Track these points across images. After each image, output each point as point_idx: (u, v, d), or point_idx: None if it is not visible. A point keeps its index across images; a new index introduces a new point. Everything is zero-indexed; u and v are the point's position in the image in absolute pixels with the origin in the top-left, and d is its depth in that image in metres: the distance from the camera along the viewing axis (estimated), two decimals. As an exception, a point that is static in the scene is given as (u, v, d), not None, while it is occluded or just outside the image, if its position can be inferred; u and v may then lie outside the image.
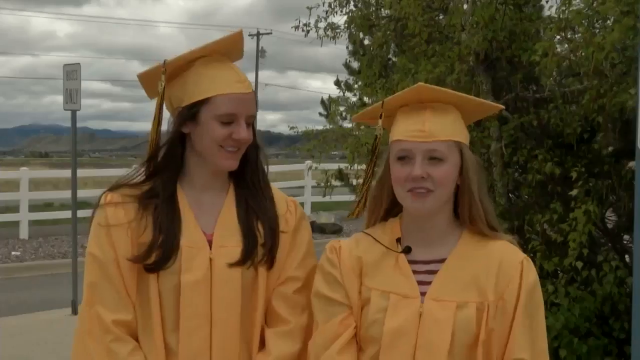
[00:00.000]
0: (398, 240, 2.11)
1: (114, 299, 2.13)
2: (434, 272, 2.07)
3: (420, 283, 2.06)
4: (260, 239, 2.19)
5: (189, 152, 2.22)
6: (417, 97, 2.10)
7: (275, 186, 2.35)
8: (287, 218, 2.27)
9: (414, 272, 2.07)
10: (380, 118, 2.13)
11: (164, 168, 2.21)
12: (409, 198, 2.05)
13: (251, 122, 2.20)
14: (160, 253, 2.12)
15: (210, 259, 2.15)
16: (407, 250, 2.09)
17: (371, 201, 2.20)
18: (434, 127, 2.04)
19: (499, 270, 2.04)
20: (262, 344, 2.21)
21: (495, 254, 2.07)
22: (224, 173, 2.25)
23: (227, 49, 2.23)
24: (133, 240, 2.15)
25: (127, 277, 2.14)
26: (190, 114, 2.16)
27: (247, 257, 2.16)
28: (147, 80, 2.25)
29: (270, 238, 2.20)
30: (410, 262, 2.09)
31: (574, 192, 4.62)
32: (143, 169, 2.23)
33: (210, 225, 2.20)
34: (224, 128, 2.14)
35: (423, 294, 2.04)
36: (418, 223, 2.10)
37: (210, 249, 2.17)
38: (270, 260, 2.20)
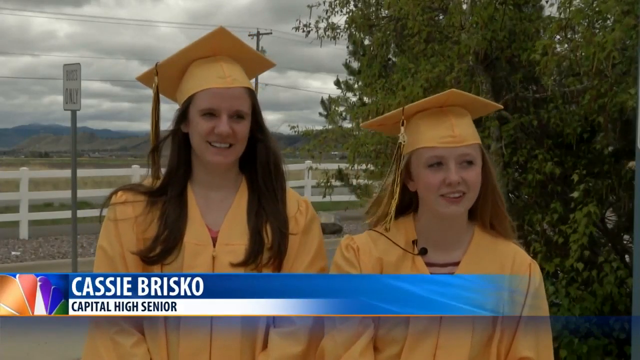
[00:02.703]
0: (414, 242, 2.12)
1: None
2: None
3: None
4: (267, 242, 2.19)
5: (192, 151, 2.25)
6: (443, 102, 2.11)
7: (288, 186, 2.34)
8: (297, 218, 2.26)
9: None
10: (403, 125, 2.12)
11: (172, 168, 2.24)
12: (443, 202, 2.05)
13: (243, 117, 2.19)
14: (162, 247, 2.15)
15: (213, 257, 2.16)
16: (423, 252, 2.10)
17: (383, 204, 2.17)
18: (462, 131, 2.07)
19: (512, 270, 2.08)
20: (266, 344, 2.19)
21: (508, 256, 2.11)
22: (232, 172, 2.26)
23: (221, 49, 2.24)
24: (138, 235, 2.19)
25: (132, 271, 2.17)
26: (182, 113, 2.22)
27: (251, 258, 2.16)
28: (147, 82, 2.31)
29: (278, 241, 2.19)
30: (427, 264, 2.10)
31: (576, 194, 4.61)
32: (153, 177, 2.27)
33: (217, 223, 2.22)
34: (206, 123, 2.16)
35: None
36: (438, 225, 2.11)
37: (215, 246, 2.18)
38: (277, 264, 2.20)
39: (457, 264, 2.10)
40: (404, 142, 2.12)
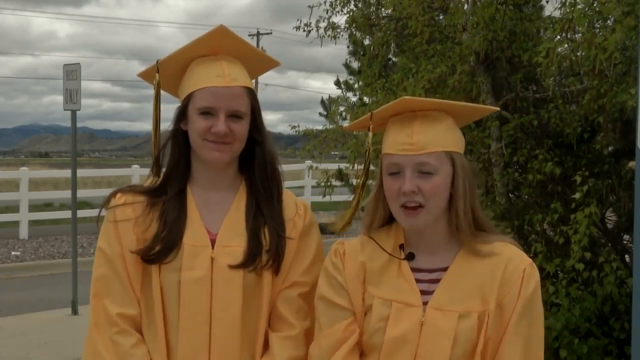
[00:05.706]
0: (401, 246, 2.08)
1: (120, 293, 2.17)
2: (437, 281, 2.03)
3: (423, 292, 2.02)
4: (265, 245, 2.18)
5: (192, 151, 2.25)
6: (407, 108, 2.06)
7: (286, 188, 2.33)
8: (295, 222, 2.25)
9: (418, 280, 2.04)
10: (370, 131, 2.10)
11: (171, 167, 2.24)
12: (402, 214, 2.00)
13: (241, 117, 2.18)
14: (161, 247, 2.15)
15: (212, 258, 2.16)
16: (410, 257, 2.06)
17: (368, 212, 2.15)
18: (423, 138, 1.99)
19: (502, 277, 2.00)
20: (266, 347, 2.20)
21: (501, 260, 2.02)
22: (230, 171, 2.25)
23: (222, 48, 2.23)
24: (138, 236, 2.19)
25: (132, 272, 2.18)
26: (181, 111, 2.22)
27: (249, 261, 2.16)
28: (148, 78, 2.30)
29: (276, 244, 2.19)
30: (414, 270, 2.05)
31: (578, 195, 4.59)
32: (153, 175, 2.27)
33: (216, 225, 2.21)
34: (204, 121, 2.16)
35: (426, 303, 2.01)
36: (418, 232, 2.07)
37: (213, 248, 2.17)
38: (275, 267, 2.19)
39: (445, 269, 2.04)
40: (369, 148, 2.11)
